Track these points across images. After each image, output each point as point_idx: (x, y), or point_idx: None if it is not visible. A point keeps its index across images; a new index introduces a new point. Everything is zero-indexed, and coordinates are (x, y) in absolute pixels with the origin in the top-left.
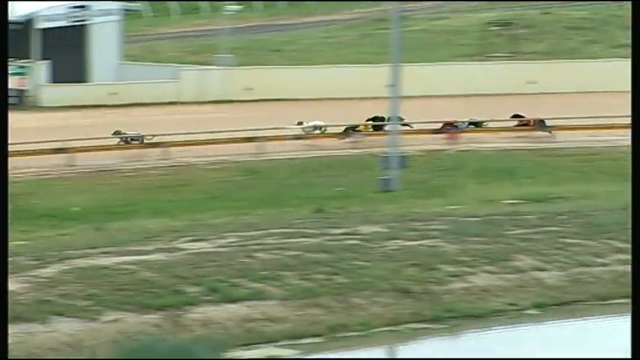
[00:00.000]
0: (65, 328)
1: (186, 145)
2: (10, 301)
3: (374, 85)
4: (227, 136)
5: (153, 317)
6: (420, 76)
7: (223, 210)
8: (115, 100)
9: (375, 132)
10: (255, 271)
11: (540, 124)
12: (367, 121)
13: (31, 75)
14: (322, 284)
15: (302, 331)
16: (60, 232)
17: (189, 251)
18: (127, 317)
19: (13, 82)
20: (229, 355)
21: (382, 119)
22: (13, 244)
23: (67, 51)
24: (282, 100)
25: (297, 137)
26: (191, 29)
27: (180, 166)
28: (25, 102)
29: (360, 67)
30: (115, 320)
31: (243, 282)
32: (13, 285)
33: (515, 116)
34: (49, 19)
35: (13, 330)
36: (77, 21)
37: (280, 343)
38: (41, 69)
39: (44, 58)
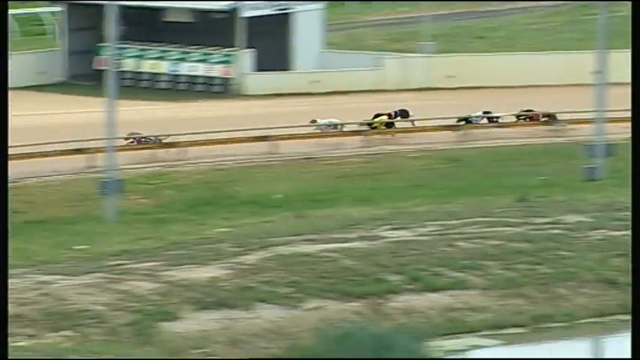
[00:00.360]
0: (267, 314)
1: (385, 133)
2: (214, 287)
3: (578, 72)
4: (430, 124)
5: (354, 305)
6: (628, 63)
7: (425, 198)
8: (318, 88)
9: (578, 120)
10: (457, 260)
11: None
12: (374, 117)
13: (235, 63)
14: (525, 274)
15: (504, 321)
16: (262, 219)
17: (390, 239)
18: (328, 305)
19: (218, 71)
20: (431, 344)
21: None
22: (216, 230)
23: (270, 39)
24: (484, 88)
25: (500, 125)
26: (393, 17)
27: (381, 153)
28: (229, 90)
29: (563, 53)
30: (316, 308)
31: (445, 271)
32: (216, 271)
33: None
34: (253, 7)
35: (217, 316)
36: (281, 9)
37: (482, 333)
38: (245, 57)
39: (248, 47)
